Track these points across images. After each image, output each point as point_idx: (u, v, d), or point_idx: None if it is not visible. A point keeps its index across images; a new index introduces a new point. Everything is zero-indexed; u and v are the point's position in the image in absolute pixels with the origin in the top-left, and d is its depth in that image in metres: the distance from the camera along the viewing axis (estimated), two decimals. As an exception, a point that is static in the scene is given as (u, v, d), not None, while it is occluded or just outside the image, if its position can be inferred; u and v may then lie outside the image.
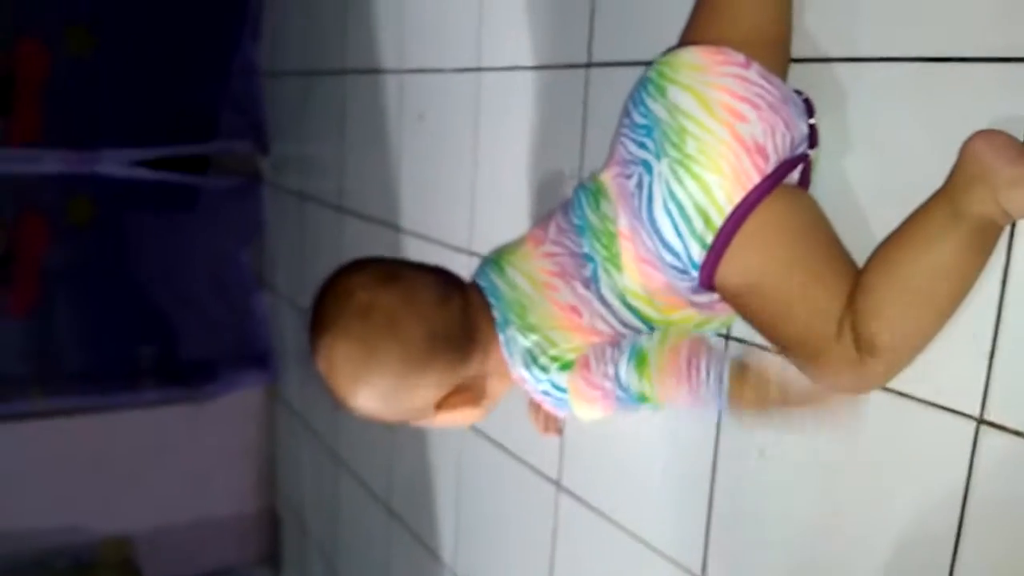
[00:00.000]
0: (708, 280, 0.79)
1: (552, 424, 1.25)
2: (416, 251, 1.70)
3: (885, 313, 0.70)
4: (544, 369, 0.88)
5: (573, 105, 1.21)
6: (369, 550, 2.09)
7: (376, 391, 0.87)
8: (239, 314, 2.64)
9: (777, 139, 0.76)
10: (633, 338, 0.85)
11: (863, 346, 0.71)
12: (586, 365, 0.85)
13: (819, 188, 0.83)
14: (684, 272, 0.80)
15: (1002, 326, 0.71)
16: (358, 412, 0.90)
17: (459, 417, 0.93)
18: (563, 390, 0.88)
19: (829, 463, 0.87)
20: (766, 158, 0.76)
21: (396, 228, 1.78)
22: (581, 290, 0.88)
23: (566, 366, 0.87)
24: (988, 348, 0.72)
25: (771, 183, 0.76)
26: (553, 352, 0.87)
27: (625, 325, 0.88)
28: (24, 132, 2.35)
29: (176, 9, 2.47)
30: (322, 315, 0.89)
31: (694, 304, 0.86)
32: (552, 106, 1.28)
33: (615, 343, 0.86)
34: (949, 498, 0.76)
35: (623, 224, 0.85)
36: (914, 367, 0.74)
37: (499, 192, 1.43)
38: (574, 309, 0.88)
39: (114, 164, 2.28)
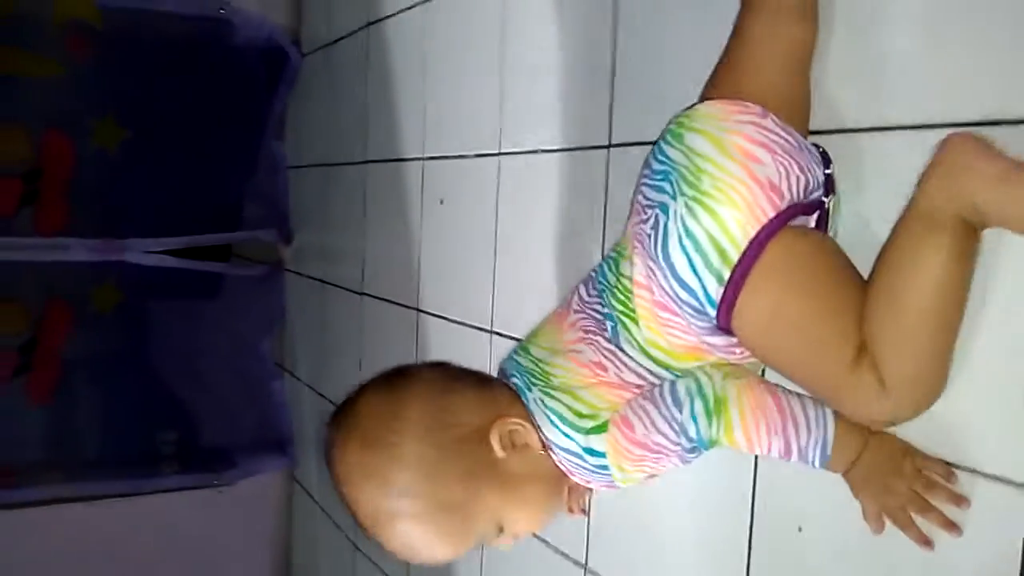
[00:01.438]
0: (726, 318, 0.78)
1: (576, 503, 1.23)
2: (437, 333, 1.71)
3: (890, 339, 0.70)
4: (576, 428, 0.86)
5: (594, 186, 1.24)
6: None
7: (412, 472, 0.85)
8: (259, 401, 2.65)
9: (791, 180, 0.77)
10: (674, 385, 0.83)
11: (881, 375, 0.70)
12: (627, 424, 0.84)
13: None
14: (701, 312, 0.79)
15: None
16: (420, 549, 0.88)
17: (532, 466, 0.89)
18: (599, 454, 0.86)
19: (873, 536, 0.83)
20: (781, 196, 0.76)
21: (417, 311, 1.79)
22: (605, 345, 0.88)
23: (600, 429, 0.85)
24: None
25: (786, 218, 0.77)
26: (579, 407, 0.86)
27: (653, 375, 0.87)
28: (51, 221, 2.39)
29: (203, 106, 2.54)
30: (329, 457, 0.90)
31: (712, 348, 0.84)
32: (573, 187, 1.31)
33: (648, 398, 0.84)
34: (1006, 565, 0.73)
35: (639, 272, 0.85)
36: (952, 432, 0.73)
37: (521, 274, 1.44)
38: (599, 364, 0.88)
39: (140, 253, 2.32)
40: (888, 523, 0.80)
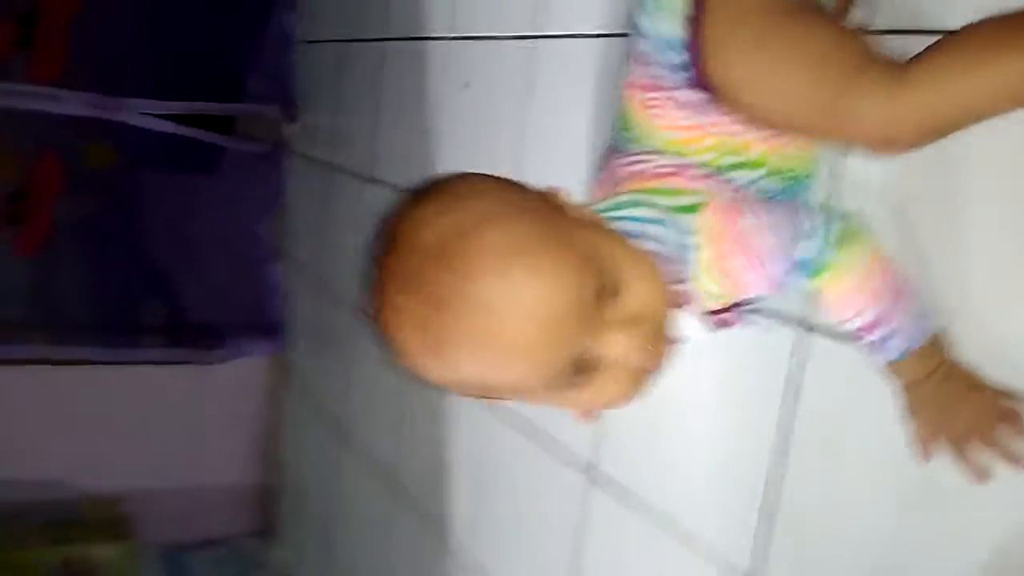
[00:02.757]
0: (699, 63, 0.73)
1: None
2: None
3: (943, 56, 0.64)
4: (653, 207, 0.75)
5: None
6: (370, 531, 2.02)
7: (497, 208, 0.68)
8: (252, 283, 2.59)
9: None
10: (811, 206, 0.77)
11: (904, 68, 0.65)
12: (732, 211, 0.73)
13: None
14: (675, 65, 0.75)
15: None
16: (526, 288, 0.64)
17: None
18: (688, 232, 0.73)
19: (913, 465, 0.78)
20: None
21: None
22: (618, 159, 0.82)
23: (689, 209, 0.74)
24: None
25: None
26: (655, 185, 0.77)
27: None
28: (47, 69, 2.28)
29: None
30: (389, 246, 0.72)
31: (696, 114, 0.77)
32: (612, 76, 1.22)
33: (767, 204, 0.76)
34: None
35: (627, 77, 0.81)
36: None
37: (550, 167, 1.36)
38: (633, 164, 0.81)
39: (138, 114, 2.22)
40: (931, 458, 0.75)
